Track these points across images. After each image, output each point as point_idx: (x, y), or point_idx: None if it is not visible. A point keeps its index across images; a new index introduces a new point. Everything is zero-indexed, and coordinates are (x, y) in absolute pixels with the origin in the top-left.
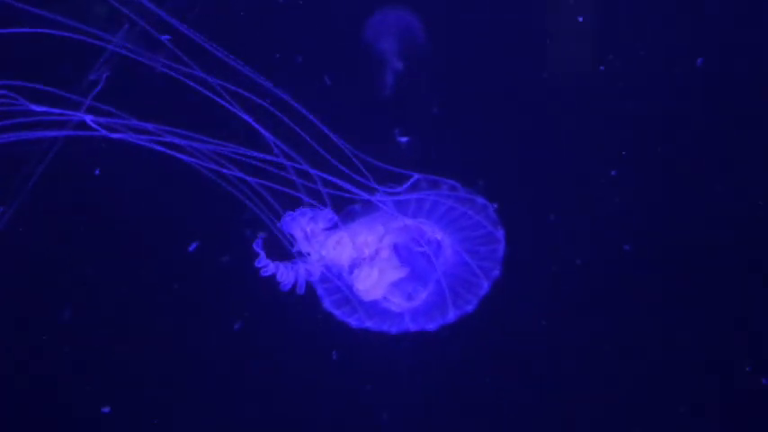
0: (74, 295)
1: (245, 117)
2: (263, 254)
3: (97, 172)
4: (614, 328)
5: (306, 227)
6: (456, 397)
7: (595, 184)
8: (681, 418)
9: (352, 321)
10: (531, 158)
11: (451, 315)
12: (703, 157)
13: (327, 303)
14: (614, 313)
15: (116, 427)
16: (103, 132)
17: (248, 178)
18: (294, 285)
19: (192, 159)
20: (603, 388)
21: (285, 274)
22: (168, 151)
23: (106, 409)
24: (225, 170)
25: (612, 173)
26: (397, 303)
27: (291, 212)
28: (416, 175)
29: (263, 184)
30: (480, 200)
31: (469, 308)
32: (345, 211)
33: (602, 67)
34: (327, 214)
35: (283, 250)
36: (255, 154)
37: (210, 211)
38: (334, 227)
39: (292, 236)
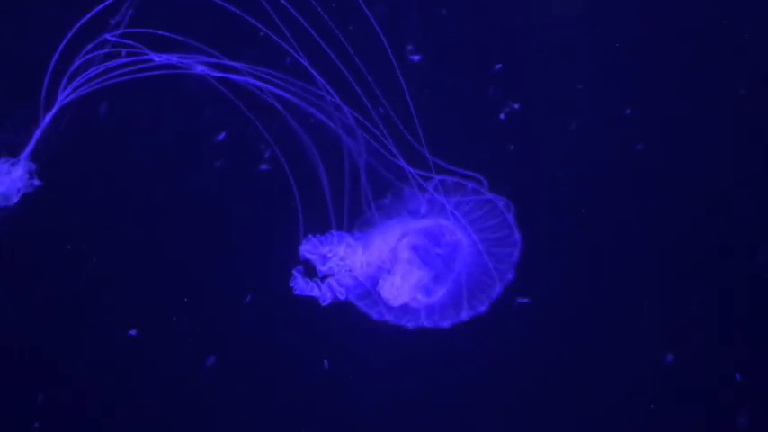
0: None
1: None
2: (299, 276)
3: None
4: (623, 334)
5: (318, 251)
6: (457, 396)
7: (615, 189)
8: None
9: (374, 314)
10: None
11: (465, 314)
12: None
13: (351, 296)
14: (625, 319)
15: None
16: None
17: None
18: (334, 299)
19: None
20: (609, 393)
21: (319, 291)
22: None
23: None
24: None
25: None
26: (416, 299)
27: (303, 244)
28: (442, 176)
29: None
30: (502, 202)
31: (482, 308)
32: (376, 204)
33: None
34: (333, 236)
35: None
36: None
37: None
38: (347, 241)
39: (312, 261)
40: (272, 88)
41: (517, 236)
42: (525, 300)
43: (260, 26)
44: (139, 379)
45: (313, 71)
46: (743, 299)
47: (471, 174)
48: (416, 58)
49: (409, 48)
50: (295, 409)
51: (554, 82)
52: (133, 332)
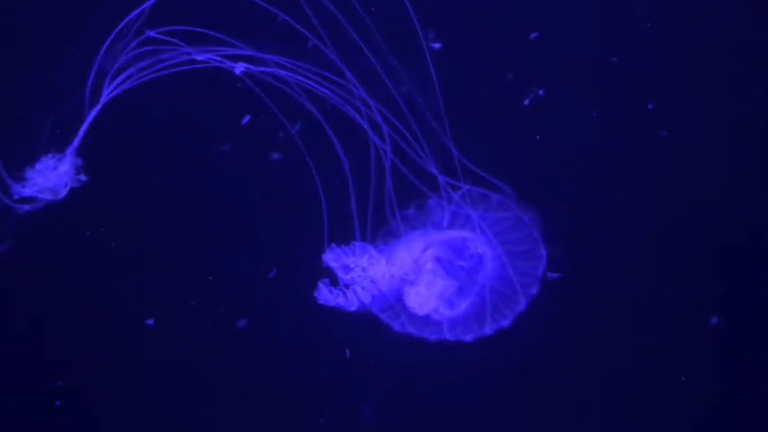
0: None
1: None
2: (324, 287)
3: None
4: (624, 334)
5: (341, 261)
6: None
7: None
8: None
9: (396, 325)
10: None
11: (488, 328)
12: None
13: (373, 307)
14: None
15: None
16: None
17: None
18: (360, 305)
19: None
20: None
21: (345, 299)
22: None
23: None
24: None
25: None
26: (439, 311)
27: (327, 253)
28: (467, 187)
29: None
30: (527, 215)
31: (506, 323)
32: (401, 214)
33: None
34: (357, 247)
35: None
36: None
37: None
38: (370, 253)
39: (334, 270)
40: (301, 79)
41: (543, 250)
42: (556, 275)
43: (279, 12)
44: (155, 367)
45: (342, 65)
46: (743, 299)
47: (499, 184)
48: (437, 45)
49: (430, 35)
50: (312, 411)
51: (576, 67)
52: (150, 322)
